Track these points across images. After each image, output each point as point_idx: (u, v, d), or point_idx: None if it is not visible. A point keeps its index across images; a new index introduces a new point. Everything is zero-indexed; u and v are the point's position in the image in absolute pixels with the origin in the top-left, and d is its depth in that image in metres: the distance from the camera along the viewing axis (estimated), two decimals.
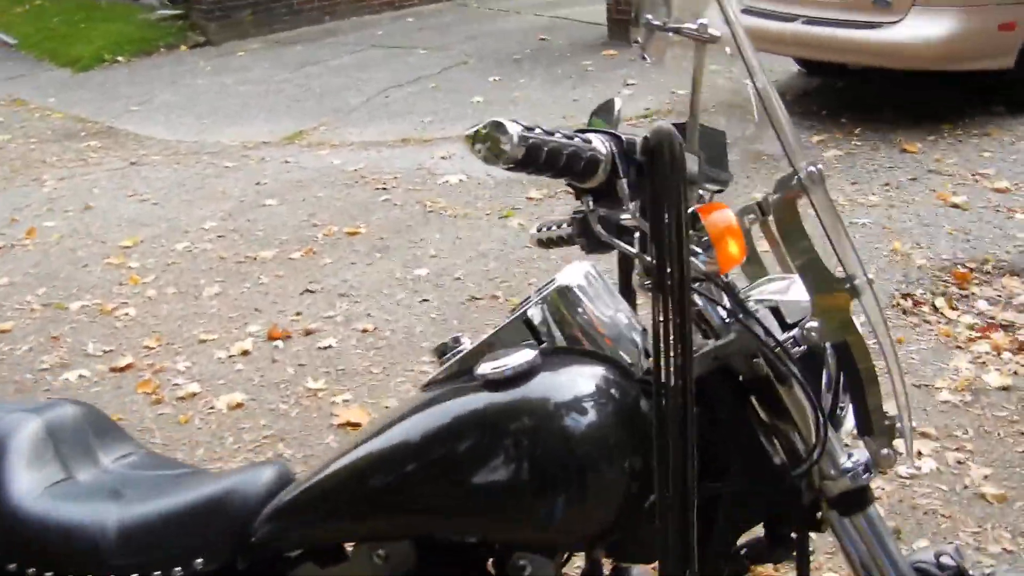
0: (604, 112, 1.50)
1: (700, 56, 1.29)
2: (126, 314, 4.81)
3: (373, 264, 5.13)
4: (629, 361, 1.45)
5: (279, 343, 4.39)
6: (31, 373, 4.32)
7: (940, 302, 4.10)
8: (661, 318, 1.23)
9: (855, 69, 6.73)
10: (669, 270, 1.22)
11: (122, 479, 1.75)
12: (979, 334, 3.84)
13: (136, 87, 9.72)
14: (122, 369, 4.28)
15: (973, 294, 4.15)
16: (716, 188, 1.41)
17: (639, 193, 1.27)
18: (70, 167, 7.39)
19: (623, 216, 1.31)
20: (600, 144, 1.26)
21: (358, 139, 7.39)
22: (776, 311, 1.42)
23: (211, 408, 3.93)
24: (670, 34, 1.31)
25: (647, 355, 1.48)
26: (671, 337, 1.23)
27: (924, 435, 3.27)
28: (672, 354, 1.24)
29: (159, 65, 10.57)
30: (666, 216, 1.21)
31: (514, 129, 1.19)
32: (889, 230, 4.77)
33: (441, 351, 1.54)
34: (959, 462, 3.14)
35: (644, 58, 1.34)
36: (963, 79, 6.39)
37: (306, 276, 5.06)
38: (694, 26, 1.30)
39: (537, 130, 1.22)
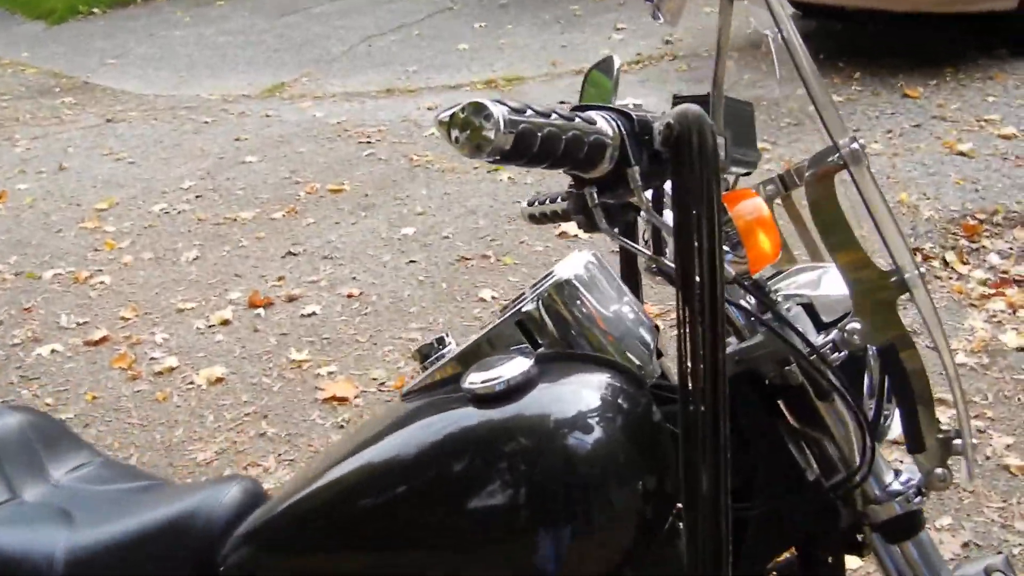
0: (603, 68, 1.30)
1: (725, 15, 1.05)
2: (101, 283, 4.60)
3: (358, 223, 4.93)
4: (638, 363, 1.26)
5: (260, 311, 4.20)
6: (2, 349, 4.11)
7: (950, 256, 3.91)
8: (688, 332, 1.03)
9: (852, 11, 6.49)
10: (698, 279, 1.01)
11: (74, 496, 1.57)
12: (993, 290, 3.66)
13: (112, 40, 9.46)
14: (97, 343, 4.08)
15: (984, 247, 3.97)
16: (743, 171, 1.21)
17: (652, 182, 1.05)
18: (44, 125, 7.15)
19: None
20: (606, 125, 1.01)
21: (340, 90, 7.17)
22: (809, 307, 1.23)
23: (190, 384, 3.74)
24: None
25: (658, 355, 1.30)
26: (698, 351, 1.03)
27: (941, 402, 3.07)
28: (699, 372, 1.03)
29: (136, 16, 10.30)
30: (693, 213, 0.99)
31: (499, 112, 0.93)
32: (894, 180, 4.57)
33: (424, 354, 1.34)
34: (980, 431, 2.97)
35: (656, 17, 1.11)
36: (960, 21, 6.16)
37: (288, 237, 4.86)
38: None
39: (528, 112, 0.96)
